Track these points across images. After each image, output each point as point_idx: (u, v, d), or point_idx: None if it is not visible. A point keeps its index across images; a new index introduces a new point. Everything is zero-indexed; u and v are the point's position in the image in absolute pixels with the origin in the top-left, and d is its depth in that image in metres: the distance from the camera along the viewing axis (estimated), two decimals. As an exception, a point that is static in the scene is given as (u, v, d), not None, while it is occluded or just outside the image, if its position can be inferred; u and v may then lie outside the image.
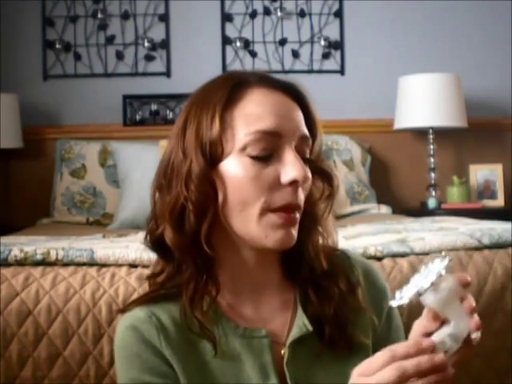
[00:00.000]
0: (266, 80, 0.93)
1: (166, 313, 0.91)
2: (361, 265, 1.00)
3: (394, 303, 0.77)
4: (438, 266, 0.76)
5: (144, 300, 0.93)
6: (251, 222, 0.88)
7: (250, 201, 0.88)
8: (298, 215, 0.90)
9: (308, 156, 0.93)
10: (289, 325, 0.93)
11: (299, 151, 0.91)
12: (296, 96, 0.95)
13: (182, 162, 0.91)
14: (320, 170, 0.97)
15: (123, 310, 0.94)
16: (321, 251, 0.96)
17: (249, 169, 0.88)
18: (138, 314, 0.91)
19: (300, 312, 0.93)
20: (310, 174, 0.90)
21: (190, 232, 0.89)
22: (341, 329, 0.90)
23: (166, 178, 0.93)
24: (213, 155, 0.89)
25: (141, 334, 0.89)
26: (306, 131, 0.93)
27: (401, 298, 0.76)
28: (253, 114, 0.89)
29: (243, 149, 0.88)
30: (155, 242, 0.94)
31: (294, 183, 0.87)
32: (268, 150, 0.88)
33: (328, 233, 0.98)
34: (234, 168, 0.89)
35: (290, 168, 0.88)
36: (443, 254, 0.80)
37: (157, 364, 0.88)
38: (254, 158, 0.88)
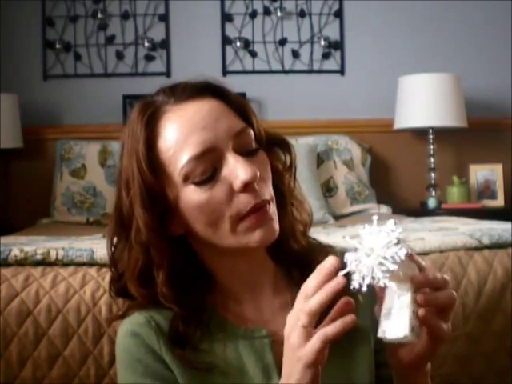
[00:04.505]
0: (176, 96, 0.90)
1: (164, 318, 0.90)
2: None
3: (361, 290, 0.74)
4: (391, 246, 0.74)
5: (142, 305, 0.92)
6: (227, 237, 0.88)
7: (216, 222, 0.87)
8: (270, 207, 0.88)
9: (254, 146, 0.90)
10: None
11: (242, 147, 0.88)
12: (214, 93, 0.92)
13: (131, 215, 0.89)
14: (274, 142, 0.95)
15: (122, 316, 0.94)
16: (297, 229, 0.96)
17: (198, 194, 0.86)
18: (138, 318, 0.90)
19: None
20: (258, 172, 0.86)
21: (160, 285, 0.89)
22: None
23: (122, 227, 0.91)
24: (158, 202, 0.88)
25: (141, 339, 0.88)
26: (237, 126, 0.89)
27: (361, 283, 0.74)
28: (176, 144, 0.87)
29: (185, 180, 0.87)
30: (121, 292, 0.94)
31: (247, 186, 0.85)
32: (209, 168, 0.86)
33: (299, 202, 0.97)
34: (186, 199, 0.88)
35: (235, 174, 0.85)
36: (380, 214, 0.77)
37: (158, 369, 0.88)
38: (199, 183, 0.86)
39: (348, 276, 0.75)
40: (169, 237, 0.90)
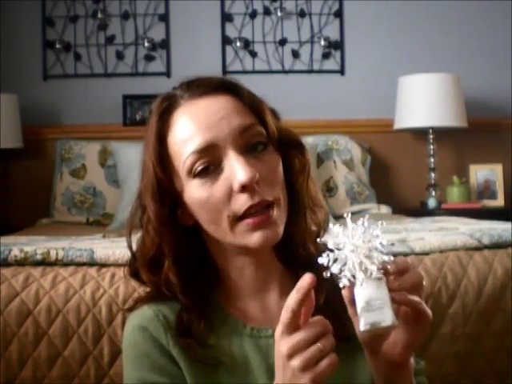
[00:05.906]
0: (191, 91, 0.92)
1: (172, 311, 0.91)
2: None
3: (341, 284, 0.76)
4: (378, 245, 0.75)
5: (151, 298, 0.93)
6: (227, 235, 0.89)
7: (215, 218, 0.88)
8: (273, 210, 0.88)
9: (262, 145, 0.90)
10: None
11: (247, 145, 0.89)
12: (228, 90, 0.92)
13: (145, 204, 0.93)
14: (288, 143, 0.95)
15: (131, 309, 0.94)
16: (308, 236, 0.96)
17: (200, 191, 0.88)
18: (146, 312, 0.91)
19: None
20: (257, 174, 0.86)
21: (165, 273, 0.91)
22: (335, 318, 0.82)
23: (140, 214, 0.95)
24: (167, 194, 0.90)
25: (149, 333, 0.89)
26: (244, 122, 0.89)
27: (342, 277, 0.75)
28: (182, 139, 0.89)
29: (189, 173, 0.89)
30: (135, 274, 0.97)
31: (245, 187, 0.85)
32: (211, 162, 0.87)
33: (317, 205, 0.96)
34: (189, 194, 0.90)
35: (234, 175, 0.86)
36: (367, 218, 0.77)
37: (165, 364, 0.88)
38: (201, 176, 0.88)
39: (333, 275, 0.75)
40: (180, 227, 0.92)
